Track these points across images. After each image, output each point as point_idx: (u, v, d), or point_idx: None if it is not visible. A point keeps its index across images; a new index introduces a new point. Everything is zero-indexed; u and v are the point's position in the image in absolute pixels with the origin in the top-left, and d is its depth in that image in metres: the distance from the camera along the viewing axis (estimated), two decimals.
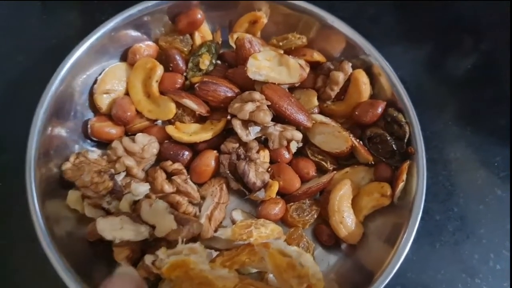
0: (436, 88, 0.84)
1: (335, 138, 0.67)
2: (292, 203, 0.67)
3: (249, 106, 0.64)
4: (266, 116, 0.63)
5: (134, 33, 0.72)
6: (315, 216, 0.67)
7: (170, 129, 0.67)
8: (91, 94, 0.69)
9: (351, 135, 0.67)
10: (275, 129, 0.65)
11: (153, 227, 0.58)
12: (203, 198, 0.67)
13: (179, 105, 0.68)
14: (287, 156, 0.69)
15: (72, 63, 0.65)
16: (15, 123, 0.67)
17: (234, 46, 0.71)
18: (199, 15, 0.72)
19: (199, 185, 0.68)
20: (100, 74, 0.69)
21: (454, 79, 0.86)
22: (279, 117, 0.67)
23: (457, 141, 0.79)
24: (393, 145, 0.66)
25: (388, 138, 0.66)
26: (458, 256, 0.71)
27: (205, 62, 0.71)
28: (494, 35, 0.90)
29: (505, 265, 0.70)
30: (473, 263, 0.70)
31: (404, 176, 0.63)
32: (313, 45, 0.75)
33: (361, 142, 0.68)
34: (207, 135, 0.67)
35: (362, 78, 0.69)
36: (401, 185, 0.63)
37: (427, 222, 0.72)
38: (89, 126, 0.67)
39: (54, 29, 0.81)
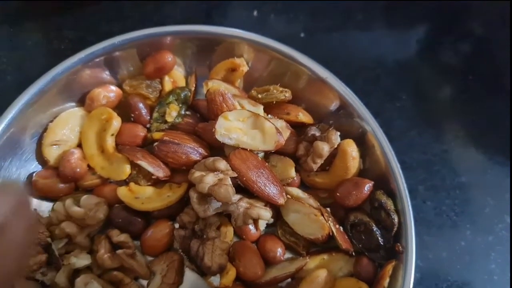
0: (434, 101, 0.77)
1: (310, 221, 0.56)
2: None
3: (210, 179, 0.54)
4: (227, 194, 0.53)
5: (96, 73, 0.63)
6: None
7: (121, 193, 0.58)
8: (39, 143, 0.61)
9: (331, 218, 0.57)
10: (238, 206, 0.56)
11: None
12: (153, 273, 0.59)
13: (135, 164, 0.59)
14: (254, 232, 0.59)
15: (21, 107, 0.58)
16: None
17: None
18: (169, 58, 0.62)
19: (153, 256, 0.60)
20: (52, 121, 0.61)
21: (451, 86, 0.79)
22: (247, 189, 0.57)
23: (462, 164, 0.71)
24: (379, 238, 0.55)
25: (374, 229, 0.55)
26: None
27: (172, 113, 0.62)
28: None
29: None
30: None
31: (385, 282, 0.52)
32: (300, 97, 0.65)
33: (341, 228, 0.57)
34: (161, 204, 0.58)
35: (352, 151, 0.58)
36: None
37: (431, 261, 0.64)
38: (32, 181, 0.59)
39: (8, 62, 0.73)
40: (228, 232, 0.58)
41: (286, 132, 0.60)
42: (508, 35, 0.82)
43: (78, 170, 0.59)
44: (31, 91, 0.58)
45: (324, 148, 0.57)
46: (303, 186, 0.62)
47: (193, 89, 0.65)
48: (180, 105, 0.63)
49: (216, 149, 0.61)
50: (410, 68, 0.80)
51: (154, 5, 0.81)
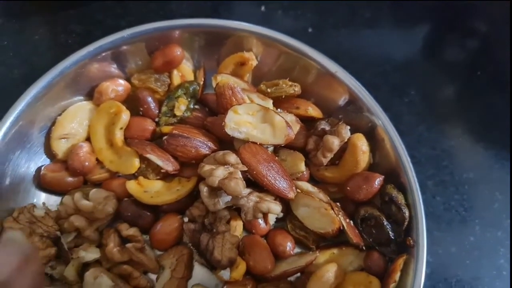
0: (441, 97, 0.77)
1: (320, 215, 0.56)
2: (264, 283, 0.57)
3: (220, 172, 0.54)
4: (237, 187, 0.53)
5: (105, 67, 0.63)
6: None
7: (130, 186, 0.58)
8: (48, 137, 0.61)
9: (341, 212, 0.57)
10: (248, 200, 0.55)
11: None
12: (162, 268, 0.58)
13: (144, 158, 0.59)
14: (263, 227, 0.59)
15: (29, 101, 0.57)
16: None
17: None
18: (178, 52, 0.62)
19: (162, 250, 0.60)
20: (60, 114, 0.61)
21: (459, 82, 0.79)
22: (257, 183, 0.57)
23: (470, 159, 0.72)
24: (390, 232, 0.55)
25: (385, 223, 0.55)
26: None
27: (181, 107, 0.62)
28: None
29: None
30: None
31: (396, 276, 0.52)
32: (309, 91, 0.64)
33: (351, 222, 0.57)
34: (170, 198, 0.57)
35: (362, 145, 0.58)
36: (392, 286, 0.52)
37: (441, 256, 0.64)
38: (40, 175, 0.59)
39: (15, 56, 0.73)
40: (238, 226, 0.58)
41: (296, 126, 0.60)
42: (509, 34, 0.82)
43: (86, 163, 0.59)
44: (40, 85, 0.58)
45: (334, 142, 0.57)
46: (313, 180, 0.62)
47: (201, 83, 0.65)
48: (189, 99, 0.63)
49: (225, 143, 0.61)
50: (417, 64, 0.80)
51: (160, 1, 0.81)
